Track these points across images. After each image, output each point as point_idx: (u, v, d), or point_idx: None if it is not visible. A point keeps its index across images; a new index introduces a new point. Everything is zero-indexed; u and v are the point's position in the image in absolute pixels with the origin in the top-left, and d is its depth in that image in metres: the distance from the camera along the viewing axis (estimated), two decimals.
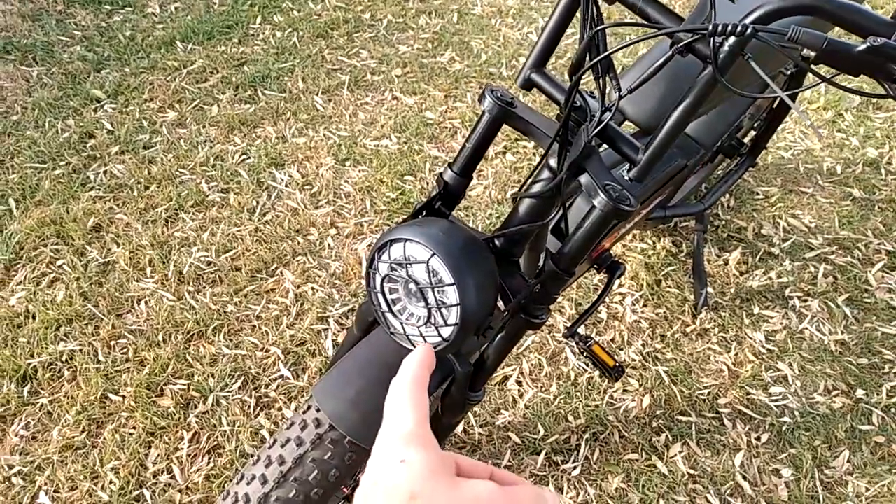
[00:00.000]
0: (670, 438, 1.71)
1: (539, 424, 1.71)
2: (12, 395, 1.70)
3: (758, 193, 2.33)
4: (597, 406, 1.76)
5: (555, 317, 1.93)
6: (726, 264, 2.10)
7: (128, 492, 1.56)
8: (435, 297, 0.88)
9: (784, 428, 1.74)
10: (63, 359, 1.79)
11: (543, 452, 1.66)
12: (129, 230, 2.10)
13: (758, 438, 1.72)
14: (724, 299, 2.01)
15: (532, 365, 1.83)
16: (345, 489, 1.33)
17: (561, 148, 0.92)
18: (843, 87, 0.70)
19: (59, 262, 2.01)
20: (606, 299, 1.97)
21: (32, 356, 1.78)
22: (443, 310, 0.88)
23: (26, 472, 1.59)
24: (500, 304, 1.00)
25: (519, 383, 1.79)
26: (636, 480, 1.63)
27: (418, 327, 0.91)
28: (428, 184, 2.26)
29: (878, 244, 2.18)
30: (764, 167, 2.42)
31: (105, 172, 2.27)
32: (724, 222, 2.22)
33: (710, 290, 2.01)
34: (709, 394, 1.80)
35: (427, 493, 0.39)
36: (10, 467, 1.60)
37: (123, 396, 1.72)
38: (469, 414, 1.71)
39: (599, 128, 0.87)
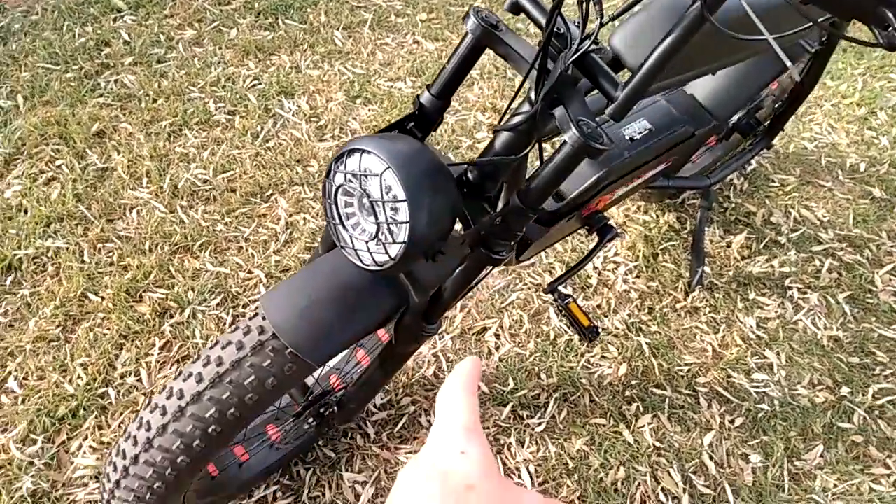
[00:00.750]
0: (641, 409, 1.68)
1: (510, 378, 1.69)
2: None
3: (773, 181, 2.26)
4: (571, 368, 1.73)
5: (543, 276, 1.90)
6: (728, 247, 2.04)
7: (94, 388, 1.57)
8: (385, 212, 0.85)
9: (760, 415, 1.70)
10: (49, 254, 1.79)
11: (510, 405, 1.64)
12: (132, 140, 2.09)
13: (731, 421, 1.69)
14: (721, 281, 1.96)
15: (513, 320, 1.80)
16: (296, 406, 1.33)
17: (539, 77, 0.88)
18: (841, 34, 0.65)
19: (58, 162, 2.01)
20: (596, 262, 1.93)
21: (19, 248, 1.79)
22: (392, 226, 0.85)
23: None
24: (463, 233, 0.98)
25: (497, 336, 1.77)
26: (599, 445, 1.61)
27: (367, 242, 0.88)
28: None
29: (892, 246, 2.11)
30: (784, 155, 2.34)
31: (116, 81, 2.26)
32: (733, 205, 2.16)
33: (707, 269, 1.96)
34: (688, 371, 1.76)
35: (482, 488, 0.41)
36: None
37: (102, 298, 1.72)
38: (441, 358, 1.70)
39: (576, 56, 0.83)
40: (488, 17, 0.92)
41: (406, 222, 0.83)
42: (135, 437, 0.99)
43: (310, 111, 2.24)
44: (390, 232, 0.86)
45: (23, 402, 1.54)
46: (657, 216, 2.09)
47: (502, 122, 0.98)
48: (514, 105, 0.99)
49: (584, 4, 0.81)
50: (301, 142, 2.14)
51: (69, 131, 2.07)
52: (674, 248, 2.01)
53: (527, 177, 0.93)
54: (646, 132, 1.48)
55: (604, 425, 1.64)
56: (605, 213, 1.68)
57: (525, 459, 1.57)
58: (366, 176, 0.85)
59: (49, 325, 1.66)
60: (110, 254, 1.82)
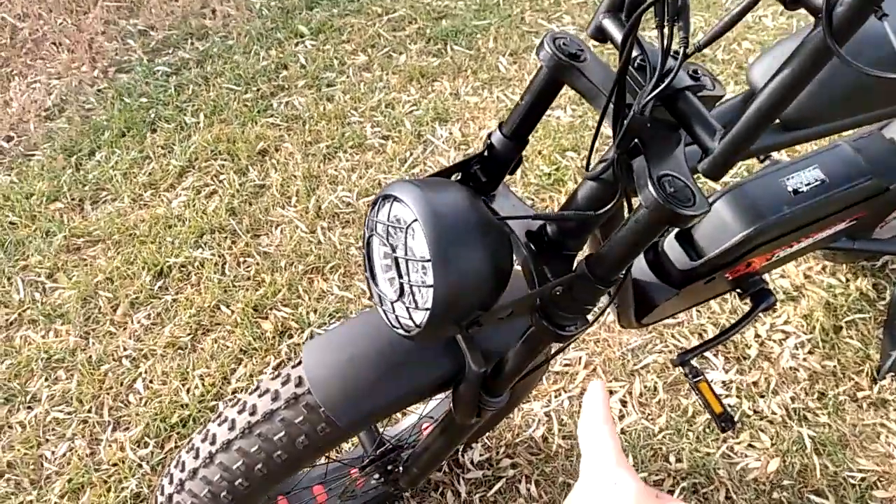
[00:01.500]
0: None
1: (631, 455, 1.47)
2: (145, 287, 1.85)
3: None
4: (708, 454, 1.46)
5: (689, 338, 1.64)
6: None
7: (206, 401, 1.61)
8: (409, 271, 0.73)
9: None
10: (195, 264, 1.90)
11: None
12: (290, 160, 2.16)
13: None
14: None
15: (645, 387, 1.57)
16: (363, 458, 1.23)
17: (617, 115, 0.71)
18: None
19: (221, 177, 2.13)
20: (758, 328, 1.63)
21: (171, 256, 1.91)
22: (416, 289, 0.73)
23: (134, 356, 1.72)
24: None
25: (623, 403, 1.55)
26: None
27: (392, 303, 0.77)
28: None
29: None
30: None
31: (287, 103, 2.37)
32: None
33: None
34: (862, 480, 1.41)
35: None
36: (125, 349, 1.73)
37: (232, 311, 1.78)
38: (554, 418, 1.52)
39: (654, 93, 0.65)
40: (567, 46, 0.76)
41: (429, 286, 0.71)
42: (171, 474, 0.96)
43: (460, 138, 2.18)
44: (413, 295, 0.74)
45: (145, 404, 1.62)
46: (846, 280, 1.72)
47: (589, 169, 0.82)
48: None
49: (665, 28, 0.63)
50: None
51: (236, 148, 2.20)
52: (863, 322, 1.65)
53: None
54: (816, 184, 1.20)
55: None
56: (765, 275, 1.41)
57: None
58: (395, 228, 0.74)
59: (181, 333, 1.75)
60: (248, 268, 1.88)
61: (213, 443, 0.92)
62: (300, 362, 0.91)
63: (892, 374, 1.54)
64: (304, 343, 0.83)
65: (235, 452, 0.90)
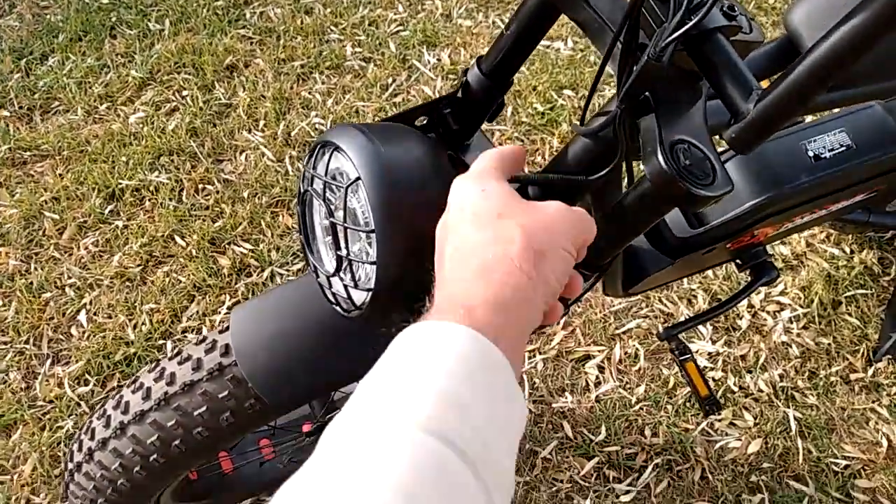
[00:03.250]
0: (767, 503, 1.29)
1: (604, 426, 1.37)
2: (95, 210, 1.69)
3: None
4: (686, 430, 1.37)
5: (678, 305, 1.53)
6: None
7: (153, 339, 1.49)
8: (348, 240, 0.59)
9: None
10: (150, 188, 1.74)
11: (595, 459, 1.34)
12: (260, 78, 1.98)
13: None
14: None
15: (626, 353, 1.47)
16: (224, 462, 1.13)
17: (625, 58, 0.55)
18: None
19: (184, 93, 1.95)
20: (752, 296, 1.52)
21: (125, 178, 1.75)
22: (358, 264, 0.60)
23: (79, 286, 1.58)
24: None
25: (601, 369, 1.45)
26: None
27: (328, 276, 0.63)
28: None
29: None
30: None
31: (261, 14, 2.16)
32: None
33: None
34: (846, 467, 1.33)
35: (510, 212, 0.47)
36: (70, 277, 1.60)
37: (188, 243, 1.64)
38: (526, 381, 1.42)
39: (676, 34, 0.50)
40: None
41: (373, 263, 0.57)
42: (81, 440, 0.84)
43: (449, 66, 1.99)
44: (354, 271, 0.60)
45: (87, 338, 1.50)
46: (850, 252, 1.60)
47: (584, 122, 0.67)
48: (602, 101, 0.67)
49: None
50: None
51: (202, 62, 2.00)
52: (864, 298, 1.53)
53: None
54: (841, 150, 1.05)
55: None
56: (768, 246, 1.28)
57: None
58: (335, 185, 0.59)
59: (130, 263, 1.61)
60: (207, 196, 1.73)
61: (125, 412, 0.80)
62: (227, 328, 0.78)
63: (890, 357, 1.43)
64: (232, 308, 0.73)
65: (150, 425, 0.78)
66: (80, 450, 0.83)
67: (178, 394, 0.77)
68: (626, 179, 0.66)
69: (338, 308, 0.64)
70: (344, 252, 0.59)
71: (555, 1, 0.61)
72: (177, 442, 0.78)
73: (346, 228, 0.58)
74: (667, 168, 0.50)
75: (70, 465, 0.85)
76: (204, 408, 0.76)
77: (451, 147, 0.73)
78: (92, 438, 0.82)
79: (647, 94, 0.55)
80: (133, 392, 0.80)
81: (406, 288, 0.58)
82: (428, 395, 0.37)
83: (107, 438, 0.80)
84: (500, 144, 1.81)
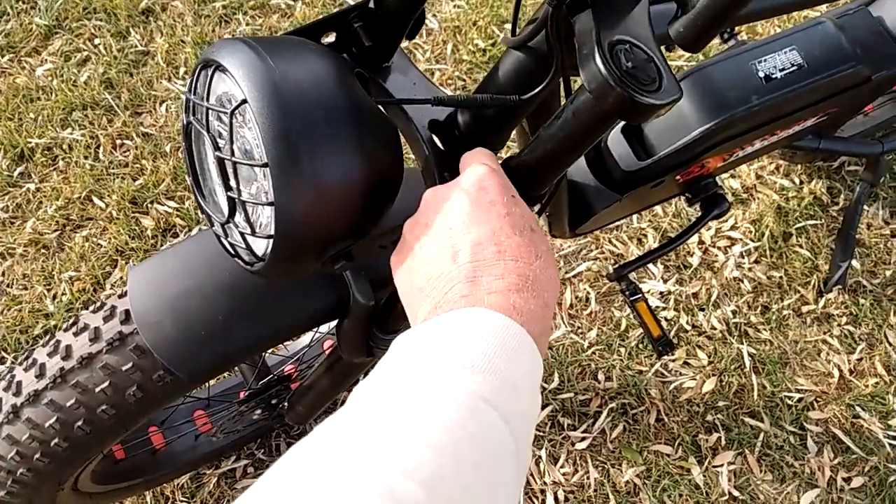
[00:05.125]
0: (723, 442, 1.27)
1: (556, 373, 1.33)
2: (2, 173, 1.55)
3: None
4: (640, 372, 1.34)
5: (628, 245, 1.48)
6: (893, 237, 1.51)
7: (74, 308, 1.38)
8: (238, 178, 0.51)
9: (892, 479, 1.25)
10: (63, 146, 1.60)
11: (550, 407, 1.30)
12: (179, 21, 1.82)
13: (847, 480, 1.25)
14: (872, 283, 1.45)
15: (577, 297, 1.42)
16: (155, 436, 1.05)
17: None
18: None
19: (96, 41, 1.79)
20: (703, 232, 1.48)
21: (34, 136, 1.61)
22: (253, 207, 0.51)
23: None
24: None
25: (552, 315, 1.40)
26: (657, 480, 1.24)
27: (222, 224, 0.54)
28: None
29: None
30: None
31: None
32: None
33: (855, 264, 1.46)
34: (800, 401, 1.32)
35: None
36: None
37: (107, 204, 1.51)
38: None
39: None
40: None
41: (271, 203, 0.48)
42: None
43: None
44: (249, 215, 0.52)
45: (2, 312, 1.38)
46: (800, 182, 1.57)
47: (514, 35, 0.59)
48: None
49: None
50: None
51: (114, 6, 1.83)
52: (815, 229, 1.51)
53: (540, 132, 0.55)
54: (793, 69, 0.99)
55: (668, 455, 1.26)
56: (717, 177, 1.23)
57: (554, 482, 1.23)
58: (220, 112, 0.50)
59: (46, 229, 1.48)
60: (126, 153, 1.60)
61: (17, 393, 0.71)
62: (126, 292, 0.69)
63: (840, 287, 1.42)
64: (130, 266, 0.65)
65: (46, 406, 0.70)
66: None
67: (76, 369, 0.68)
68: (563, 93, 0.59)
69: (239, 261, 0.56)
70: (236, 193, 0.50)
71: None
72: (79, 423, 0.70)
73: (234, 163, 0.49)
74: (606, 72, 0.43)
75: None
76: (106, 383, 0.68)
77: (367, 69, 0.64)
78: None
79: None
80: (25, 370, 0.71)
81: (312, 232, 0.50)
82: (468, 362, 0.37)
83: None
84: (442, 86, 1.72)
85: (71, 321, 0.72)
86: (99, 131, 1.62)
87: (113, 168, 1.57)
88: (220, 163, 0.50)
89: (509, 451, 0.36)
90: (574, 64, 0.54)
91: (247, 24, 1.82)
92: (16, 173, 1.56)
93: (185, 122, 0.54)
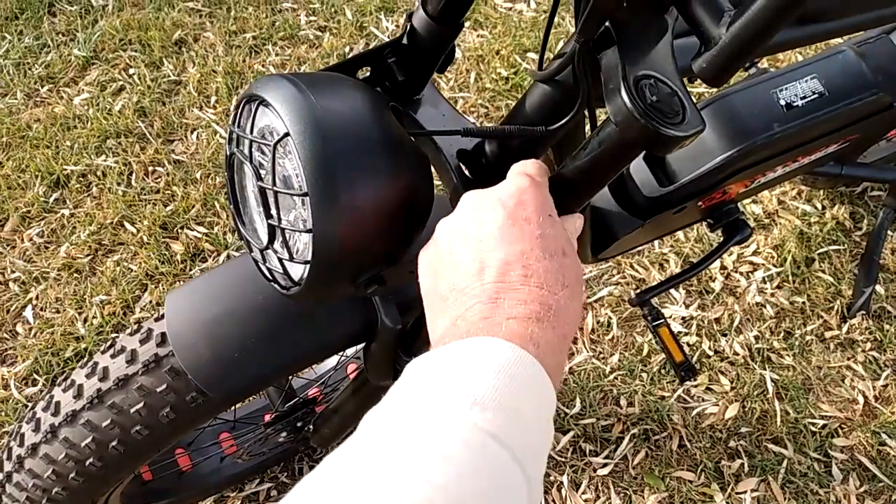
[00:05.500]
0: (746, 469, 1.27)
1: (578, 398, 1.34)
2: (38, 199, 1.60)
3: None
4: (663, 398, 1.34)
5: (650, 269, 1.49)
6: None
7: (105, 332, 1.42)
8: (279, 207, 0.53)
9: None
10: (97, 173, 1.65)
11: (571, 433, 1.30)
12: (210, 52, 1.88)
13: None
14: None
15: (598, 322, 1.43)
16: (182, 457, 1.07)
17: None
18: None
19: (131, 71, 1.85)
20: (724, 257, 1.48)
21: (70, 163, 1.66)
22: (292, 233, 0.54)
23: (24, 280, 1.50)
24: None
25: (573, 340, 1.41)
26: None
27: (261, 250, 0.57)
28: None
29: None
30: None
31: None
32: None
33: (878, 289, 1.45)
34: (824, 427, 1.31)
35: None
36: (13, 271, 1.51)
37: (138, 229, 1.56)
38: None
39: None
40: None
41: (309, 231, 0.51)
42: (10, 448, 0.78)
43: None
44: (288, 241, 0.54)
45: (34, 335, 1.43)
46: (822, 208, 1.57)
47: (541, 69, 0.61)
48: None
49: None
50: None
51: (149, 37, 1.90)
52: (837, 254, 1.51)
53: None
54: (814, 97, 1.00)
55: (690, 481, 1.26)
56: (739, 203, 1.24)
57: None
58: (263, 144, 0.53)
59: (79, 253, 1.53)
60: (158, 179, 1.65)
61: (55, 413, 0.74)
62: (163, 315, 0.72)
63: (863, 312, 1.41)
64: (167, 291, 0.68)
65: (83, 426, 0.72)
66: (8, 458, 0.77)
67: (113, 390, 0.71)
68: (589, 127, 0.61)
69: (276, 285, 0.58)
70: (276, 220, 0.53)
71: None
72: (114, 443, 0.72)
73: (276, 192, 0.52)
74: (632, 105, 0.45)
75: (9, 465, 0.79)
76: (141, 404, 0.70)
77: (399, 102, 0.67)
78: (21, 445, 0.75)
79: (608, 25, 0.50)
80: (64, 391, 0.74)
81: (347, 258, 0.53)
82: (480, 396, 0.37)
83: (37, 444, 0.74)
84: (465, 113, 1.74)
85: (108, 344, 0.75)
86: (132, 158, 1.67)
87: (145, 194, 1.61)
88: (262, 192, 0.53)
89: (521, 491, 0.35)
90: (599, 96, 0.56)
91: (276, 55, 1.87)
92: (51, 199, 1.62)
93: (228, 153, 0.57)
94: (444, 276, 0.46)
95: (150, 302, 1.46)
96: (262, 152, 0.54)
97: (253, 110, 0.54)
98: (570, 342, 0.47)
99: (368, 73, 0.67)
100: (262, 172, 0.54)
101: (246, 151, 0.55)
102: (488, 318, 0.42)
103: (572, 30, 1.82)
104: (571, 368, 1.37)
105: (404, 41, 0.65)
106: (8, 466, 0.77)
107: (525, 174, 0.50)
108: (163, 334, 0.71)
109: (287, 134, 0.50)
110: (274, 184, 0.52)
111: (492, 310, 0.42)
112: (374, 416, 0.38)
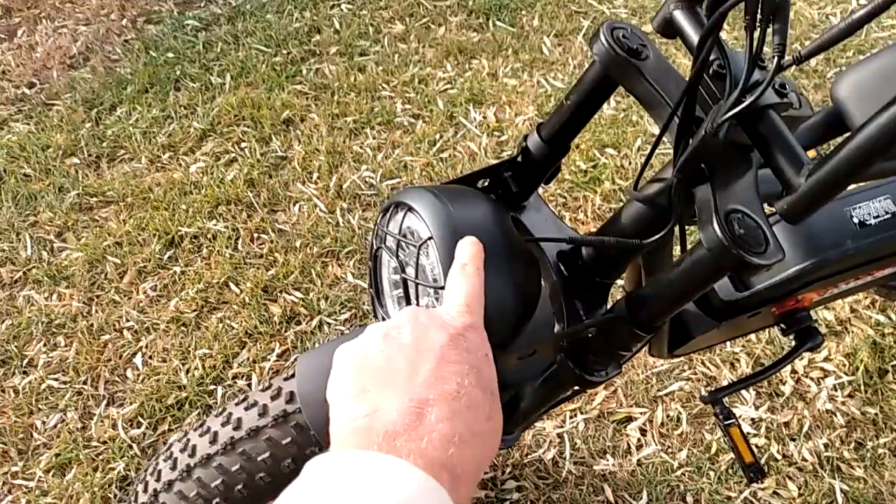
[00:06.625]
0: None
1: (646, 490, 1.37)
2: (154, 256, 1.77)
3: None
4: (729, 498, 1.36)
5: (720, 368, 1.53)
6: None
7: (205, 383, 1.54)
8: (418, 294, 0.63)
9: None
10: (208, 236, 1.82)
11: None
12: (315, 132, 2.06)
13: None
14: None
15: (668, 416, 1.47)
16: None
17: (682, 132, 0.60)
18: None
19: (243, 145, 2.04)
20: (796, 362, 1.51)
21: (184, 225, 1.84)
22: None
23: (136, 329, 1.65)
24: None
25: (643, 432, 1.45)
26: None
27: None
28: (630, 163, 1.92)
29: None
30: None
31: (317, 70, 2.26)
32: None
33: None
34: None
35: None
36: (128, 320, 1.67)
37: (241, 290, 1.70)
38: (566, 440, 1.43)
39: (734, 111, 0.54)
40: (627, 39, 0.64)
41: None
42: (146, 482, 0.88)
43: (494, 123, 2.05)
44: None
45: (142, 381, 1.56)
46: None
47: (638, 188, 0.71)
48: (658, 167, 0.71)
49: (755, 31, 0.52)
50: (475, 156, 1.96)
51: (261, 115, 2.10)
52: None
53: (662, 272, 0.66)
54: (886, 217, 1.06)
55: None
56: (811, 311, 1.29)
57: None
58: (407, 243, 0.64)
59: (186, 308, 1.68)
60: (262, 245, 1.80)
61: (192, 455, 0.84)
62: (293, 375, 0.83)
63: None
64: (301, 350, 0.77)
65: (215, 469, 0.82)
66: (145, 491, 0.87)
67: (244, 439, 0.81)
68: (678, 245, 0.70)
69: None
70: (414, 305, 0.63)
71: (614, 76, 0.65)
72: (239, 486, 0.82)
73: (417, 284, 0.62)
74: (723, 237, 0.53)
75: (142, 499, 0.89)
76: (267, 453, 0.80)
77: (511, 208, 0.78)
78: (158, 480, 0.86)
79: (702, 165, 0.59)
80: (200, 436, 0.84)
81: None
82: None
83: (173, 480, 0.84)
84: (545, 200, 1.85)
85: (241, 398, 0.86)
86: (239, 224, 1.84)
87: (249, 258, 1.76)
88: (404, 282, 0.63)
89: None
90: (689, 216, 0.66)
91: (373, 138, 2.04)
92: (166, 257, 1.78)
93: (374, 247, 0.68)
94: (370, 371, 0.44)
95: (248, 359, 1.58)
96: (404, 249, 0.65)
97: (400, 214, 0.65)
98: (480, 479, 0.42)
99: (486, 184, 0.78)
100: (404, 265, 0.65)
101: (392, 247, 0.66)
102: (409, 429, 0.39)
103: (649, 129, 1.92)
104: (639, 460, 1.41)
105: (518, 159, 0.76)
106: (143, 498, 0.87)
107: (468, 311, 0.49)
108: (291, 392, 0.81)
109: (431, 237, 0.61)
110: (417, 277, 0.63)
111: (416, 418, 0.40)
112: None
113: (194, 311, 1.67)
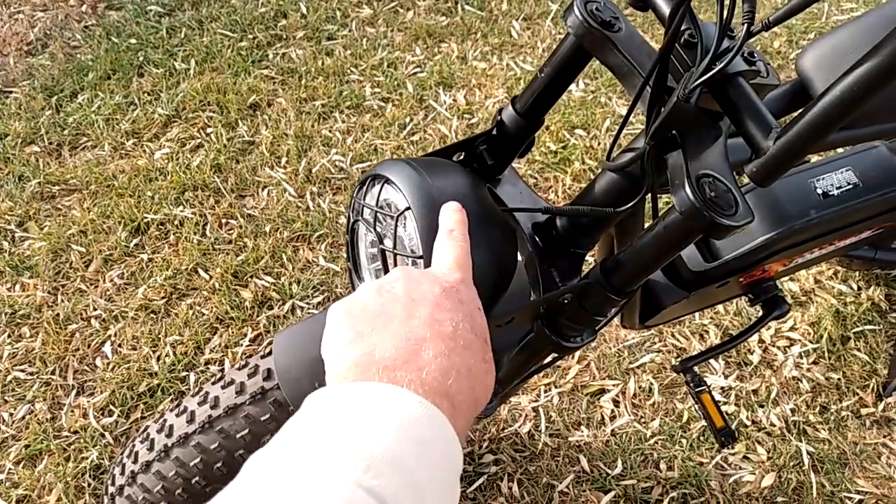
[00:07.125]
0: None
1: (620, 459, 1.39)
2: (120, 244, 1.74)
3: None
4: (701, 464, 1.39)
5: (690, 339, 1.56)
6: None
7: (177, 370, 1.52)
8: (396, 265, 0.64)
9: None
10: (175, 222, 1.79)
11: (612, 494, 1.35)
12: (282, 116, 2.04)
13: None
14: None
15: (640, 387, 1.49)
16: None
17: (654, 100, 0.61)
18: None
19: (209, 130, 2.02)
20: (763, 332, 1.55)
21: (150, 212, 1.81)
22: None
23: (104, 318, 1.62)
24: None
25: (616, 403, 1.48)
26: None
27: None
28: (600, 143, 1.94)
29: None
30: None
31: (283, 55, 2.24)
32: None
33: None
34: (860, 502, 1.35)
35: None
36: (95, 309, 1.64)
37: (211, 276, 1.68)
38: (542, 414, 1.44)
39: (703, 78, 0.55)
40: (600, 12, 0.65)
41: None
42: (123, 464, 0.87)
43: (465, 106, 2.06)
44: None
45: (112, 369, 1.54)
46: (858, 289, 1.64)
47: (611, 158, 0.72)
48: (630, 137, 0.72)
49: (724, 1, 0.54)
50: (446, 139, 1.97)
51: (226, 100, 2.07)
52: (873, 334, 1.57)
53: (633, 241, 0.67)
54: (848, 187, 1.10)
55: None
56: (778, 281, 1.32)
57: None
58: (384, 215, 0.64)
59: (155, 296, 1.65)
60: (230, 231, 1.78)
61: (169, 435, 0.83)
62: (270, 353, 0.82)
63: None
64: (275, 333, 0.76)
65: (193, 448, 0.82)
66: (122, 473, 0.86)
67: (222, 417, 0.80)
68: (649, 216, 0.71)
69: None
70: None
71: (588, 47, 0.66)
72: (219, 464, 0.81)
73: (395, 254, 0.62)
74: (695, 199, 0.54)
75: (111, 489, 0.88)
76: (246, 430, 0.79)
77: (486, 181, 0.79)
78: (135, 461, 0.85)
79: (674, 132, 0.60)
80: (177, 416, 0.84)
81: None
82: (369, 452, 0.33)
83: (150, 461, 0.83)
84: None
85: (218, 377, 0.85)
86: (207, 210, 1.81)
87: (218, 244, 1.74)
88: (382, 253, 0.64)
89: None
90: (661, 185, 0.67)
91: (342, 122, 2.03)
92: (132, 244, 1.75)
93: (351, 220, 0.68)
94: (366, 317, 0.44)
95: (220, 344, 1.56)
96: (382, 221, 0.65)
97: (377, 186, 0.65)
98: (477, 414, 0.43)
99: (462, 157, 0.79)
100: (383, 237, 0.65)
101: (370, 219, 0.66)
102: (408, 362, 0.39)
103: (617, 111, 1.94)
104: (613, 430, 1.43)
105: (494, 132, 0.77)
106: (121, 480, 0.86)
107: (459, 270, 0.50)
108: (269, 370, 0.81)
109: (408, 208, 0.61)
110: (395, 247, 0.63)
111: (413, 353, 0.40)
112: (261, 460, 0.34)
113: (163, 298, 1.65)
